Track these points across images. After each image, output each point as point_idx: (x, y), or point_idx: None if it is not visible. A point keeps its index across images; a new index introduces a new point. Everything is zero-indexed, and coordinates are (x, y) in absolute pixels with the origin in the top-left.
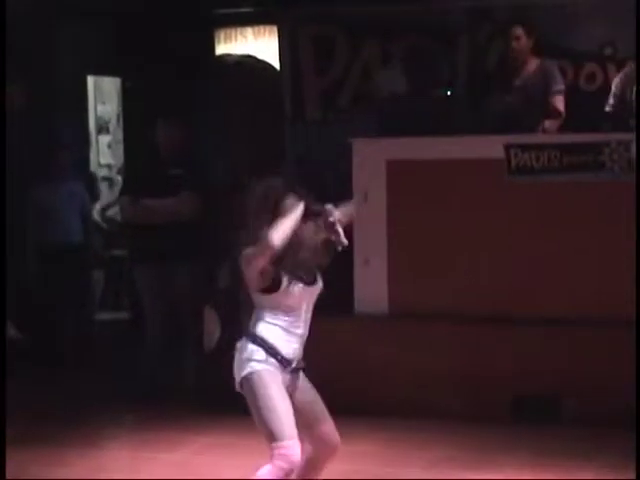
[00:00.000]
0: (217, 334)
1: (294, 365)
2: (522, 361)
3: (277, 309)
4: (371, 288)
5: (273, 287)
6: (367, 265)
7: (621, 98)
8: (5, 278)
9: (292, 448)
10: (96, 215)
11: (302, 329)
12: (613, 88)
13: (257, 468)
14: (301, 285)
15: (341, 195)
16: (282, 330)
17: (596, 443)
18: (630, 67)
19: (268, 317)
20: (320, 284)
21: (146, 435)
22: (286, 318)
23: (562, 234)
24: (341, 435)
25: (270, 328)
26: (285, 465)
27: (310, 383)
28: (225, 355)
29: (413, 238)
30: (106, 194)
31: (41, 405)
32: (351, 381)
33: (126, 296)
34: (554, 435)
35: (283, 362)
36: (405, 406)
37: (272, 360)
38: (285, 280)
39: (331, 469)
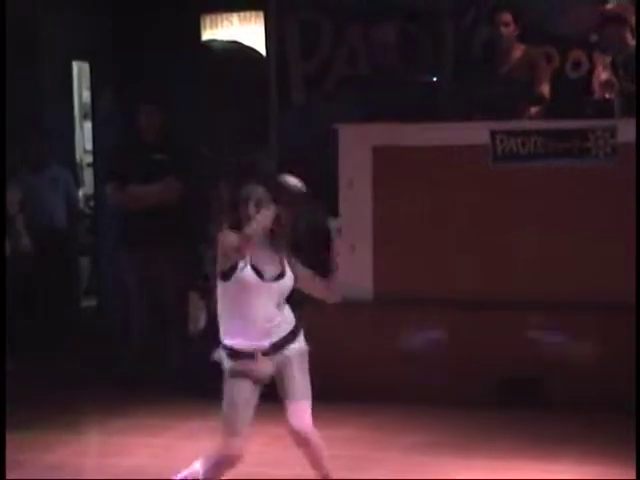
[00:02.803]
0: (202, 319)
1: (271, 352)
2: (507, 345)
3: (233, 303)
4: (356, 274)
5: (229, 272)
6: (352, 251)
7: (607, 85)
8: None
9: (232, 444)
10: (81, 201)
11: (263, 325)
12: (599, 75)
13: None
14: (254, 276)
15: (326, 181)
16: (241, 327)
17: (581, 427)
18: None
19: (226, 316)
20: (287, 282)
21: (131, 420)
22: (241, 313)
23: (547, 220)
24: (325, 420)
25: (229, 329)
26: (224, 452)
27: (303, 364)
28: (209, 340)
29: (398, 224)
30: (91, 180)
31: (25, 391)
32: (335, 367)
33: (99, 281)
34: (539, 419)
35: (241, 355)
36: (389, 391)
37: (239, 361)
38: (239, 269)
39: None
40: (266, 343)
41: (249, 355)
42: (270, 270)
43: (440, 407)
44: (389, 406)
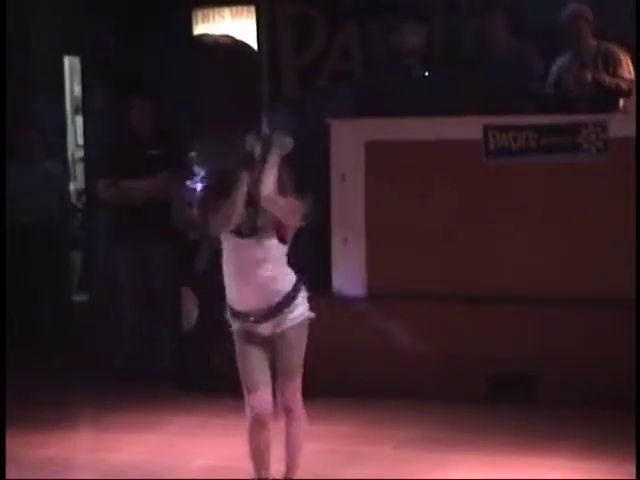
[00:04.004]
0: (195, 314)
1: (264, 319)
2: (499, 341)
3: (227, 262)
4: (349, 268)
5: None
6: (345, 245)
7: (598, 79)
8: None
9: (254, 400)
10: (73, 196)
11: (249, 282)
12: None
13: (233, 446)
14: (232, 235)
15: (319, 175)
16: (232, 283)
17: (571, 423)
18: (608, 48)
19: (226, 275)
20: (263, 241)
21: (124, 416)
22: (230, 268)
23: (540, 215)
24: (317, 415)
25: (226, 282)
26: (250, 413)
27: (298, 337)
28: (202, 335)
29: (391, 219)
30: (83, 175)
31: (17, 387)
32: (328, 362)
33: (91, 276)
34: (530, 415)
35: (241, 316)
36: (381, 386)
37: (239, 321)
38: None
39: (307, 448)
40: (261, 305)
41: (245, 315)
42: (245, 227)
43: (433, 402)
44: (380, 401)
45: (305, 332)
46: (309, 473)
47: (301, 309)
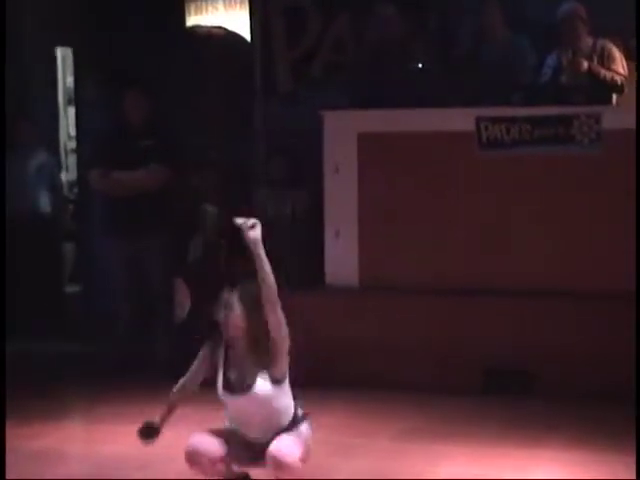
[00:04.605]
0: (187, 305)
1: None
2: (493, 333)
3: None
4: (342, 261)
5: None
6: (338, 237)
7: (593, 70)
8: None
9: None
10: (65, 187)
11: (249, 425)
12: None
13: None
14: (224, 392)
15: (312, 167)
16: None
17: (565, 416)
18: (604, 45)
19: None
20: (254, 396)
21: (116, 407)
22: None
23: (533, 207)
24: (310, 407)
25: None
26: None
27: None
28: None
29: (384, 211)
30: (75, 166)
31: (9, 378)
32: (321, 354)
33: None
34: (523, 408)
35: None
36: (375, 378)
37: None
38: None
39: None
40: (257, 436)
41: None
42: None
43: (426, 394)
44: (375, 393)
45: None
46: (303, 465)
47: (306, 425)
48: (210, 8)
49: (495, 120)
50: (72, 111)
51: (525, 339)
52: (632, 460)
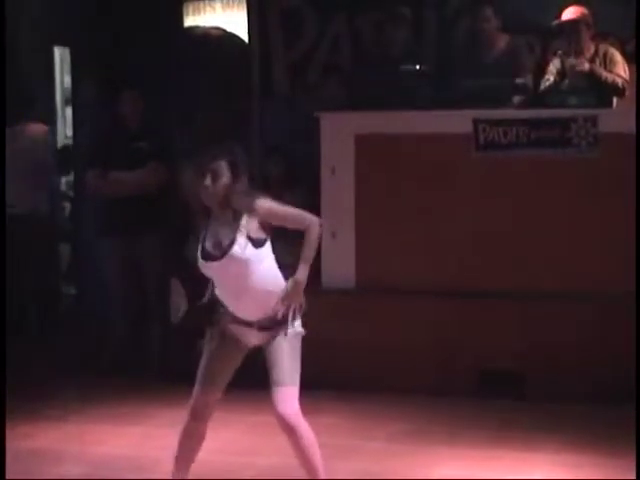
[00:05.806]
0: (183, 306)
1: (265, 329)
2: (489, 336)
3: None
4: (338, 262)
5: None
6: (334, 239)
7: (595, 71)
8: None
9: (199, 394)
10: (63, 187)
11: (237, 299)
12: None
13: (218, 439)
14: (201, 260)
15: (309, 168)
16: (228, 302)
17: (560, 419)
18: (606, 50)
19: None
20: (231, 259)
21: (110, 408)
22: (220, 292)
23: (530, 209)
24: (307, 408)
25: (222, 299)
26: (190, 405)
27: (293, 349)
28: (190, 327)
29: (381, 213)
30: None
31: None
32: (317, 355)
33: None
34: (519, 410)
35: (241, 322)
36: (371, 380)
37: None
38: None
39: None
40: (252, 318)
41: (247, 323)
42: (216, 247)
43: (422, 396)
44: (371, 394)
45: (299, 345)
46: (298, 466)
47: (299, 322)
48: (208, 8)
49: (493, 122)
50: (69, 111)
51: (522, 342)
52: (627, 463)
